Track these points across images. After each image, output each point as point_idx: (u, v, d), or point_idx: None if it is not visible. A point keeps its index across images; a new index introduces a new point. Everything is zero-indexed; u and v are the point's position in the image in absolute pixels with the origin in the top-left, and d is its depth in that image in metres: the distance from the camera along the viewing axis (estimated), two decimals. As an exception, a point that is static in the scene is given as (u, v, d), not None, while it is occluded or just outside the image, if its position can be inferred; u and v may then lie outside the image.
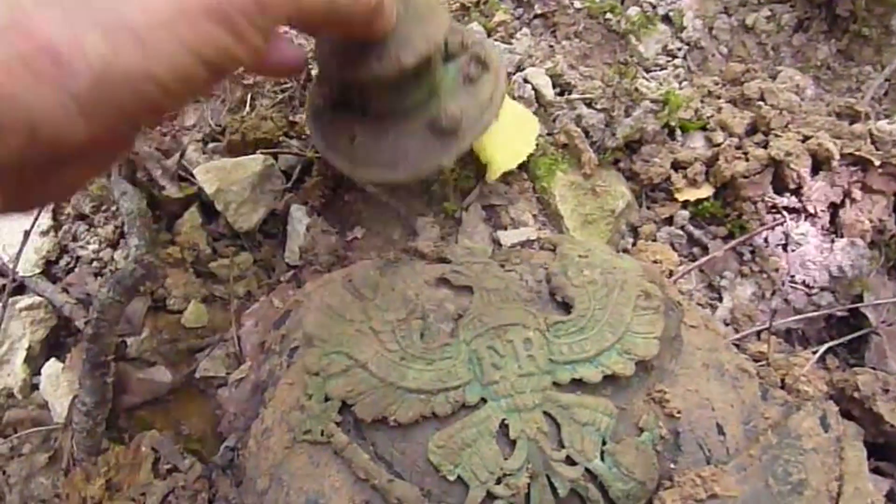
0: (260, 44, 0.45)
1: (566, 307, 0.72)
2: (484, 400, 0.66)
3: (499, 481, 0.62)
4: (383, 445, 0.65)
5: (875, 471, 0.80)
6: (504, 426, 0.64)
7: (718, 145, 0.88)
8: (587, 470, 0.64)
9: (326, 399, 0.67)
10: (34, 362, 0.80)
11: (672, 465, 0.68)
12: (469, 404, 0.65)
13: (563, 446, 0.64)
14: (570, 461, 0.64)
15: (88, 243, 0.86)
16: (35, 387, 0.80)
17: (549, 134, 0.91)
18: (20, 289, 0.84)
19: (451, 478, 0.63)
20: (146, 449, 0.71)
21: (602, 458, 0.65)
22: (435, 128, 0.71)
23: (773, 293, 0.85)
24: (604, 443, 0.65)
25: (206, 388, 0.81)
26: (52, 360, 0.79)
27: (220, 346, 0.82)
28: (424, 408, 0.65)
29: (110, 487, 0.71)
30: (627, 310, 0.71)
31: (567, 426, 0.65)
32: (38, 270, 0.83)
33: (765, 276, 0.86)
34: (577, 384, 0.67)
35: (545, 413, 0.65)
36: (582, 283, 0.73)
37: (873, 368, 0.82)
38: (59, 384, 0.77)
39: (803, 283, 0.84)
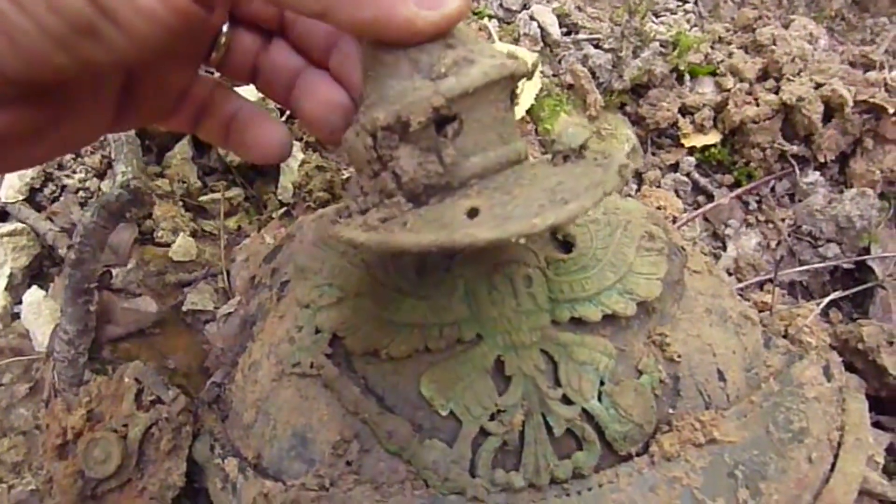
0: None
1: (567, 246, 0.69)
2: (480, 336, 0.63)
3: (492, 417, 0.60)
4: (374, 379, 0.63)
5: (876, 425, 0.79)
6: (500, 363, 0.62)
7: (728, 90, 0.85)
8: (584, 410, 0.62)
9: (317, 331, 0.64)
10: (15, 291, 0.77)
11: (671, 410, 0.67)
12: (464, 340, 0.63)
13: (559, 385, 0.62)
14: (566, 400, 0.62)
15: (74, 172, 0.83)
16: (16, 316, 0.77)
17: (554, 75, 0.87)
18: (3, 215, 0.81)
19: (444, 412, 0.60)
20: (129, 380, 0.69)
21: (599, 399, 0.63)
22: None
23: (779, 244, 0.83)
24: (601, 383, 0.63)
25: (193, 322, 0.79)
26: (34, 287, 0.76)
27: (209, 281, 0.80)
28: (418, 342, 0.62)
29: (91, 418, 0.69)
30: (630, 250, 0.69)
31: (564, 365, 0.63)
32: (21, 197, 0.80)
33: (770, 225, 0.83)
34: (577, 323, 0.65)
35: (542, 351, 0.63)
36: (584, 222, 0.70)
37: (879, 322, 0.80)
38: (40, 313, 0.74)
39: (809, 234, 0.82)
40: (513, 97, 0.55)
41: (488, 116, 0.50)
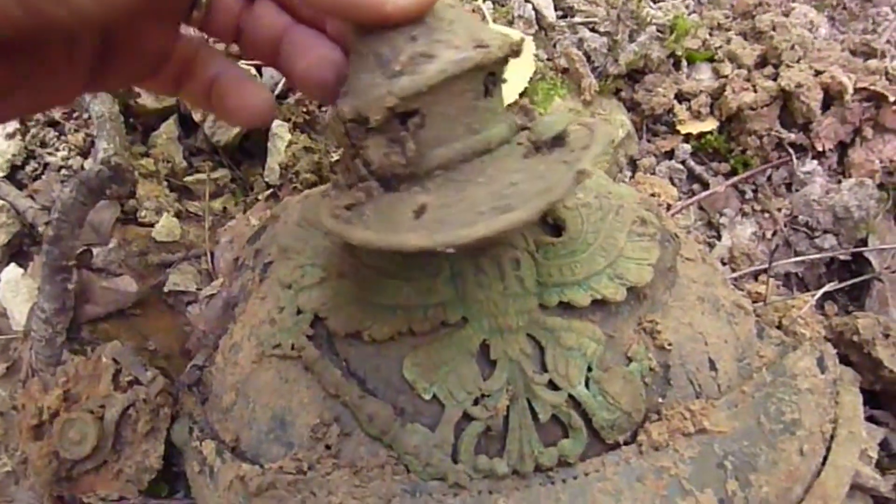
0: None
1: (557, 230, 0.68)
2: (465, 319, 0.62)
3: (476, 402, 0.59)
4: (356, 361, 0.61)
5: (870, 419, 0.77)
6: (485, 347, 0.61)
7: (726, 77, 0.84)
8: (570, 396, 0.60)
9: (298, 312, 0.63)
10: (-6, 269, 0.76)
11: (660, 399, 0.65)
12: (449, 323, 0.61)
13: (546, 370, 0.61)
14: (552, 386, 0.60)
15: (57, 150, 0.82)
16: (-6, 294, 0.76)
17: (548, 59, 0.86)
18: (-19, 193, 0.79)
19: (427, 396, 0.59)
20: (107, 360, 0.67)
21: (587, 385, 0.61)
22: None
23: (774, 234, 0.81)
24: (589, 369, 0.62)
25: (175, 304, 0.77)
26: (12, 265, 0.75)
27: (192, 262, 0.78)
28: (401, 324, 0.61)
29: (68, 398, 0.67)
30: (622, 235, 0.67)
31: (551, 350, 0.61)
32: (2, 174, 0.79)
33: (766, 215, 0.82)
34: (565, 308, 0.63)
35: (529, 336, 0.62)
36: (575, 206, 0.68)
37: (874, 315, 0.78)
38: (18, 291, 0.72)
39: (806, 224, 0.80)
40: (493, 82, 0.53)
41: (454, 108, 0.50)
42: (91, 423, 0.66)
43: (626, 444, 0.63)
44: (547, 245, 0.67)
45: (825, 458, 0.68)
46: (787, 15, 0.93)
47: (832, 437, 0.69)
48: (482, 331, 0.62)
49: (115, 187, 0.71)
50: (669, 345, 0.66)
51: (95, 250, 0.75)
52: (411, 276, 0.63)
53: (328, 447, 0.60)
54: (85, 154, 0.83)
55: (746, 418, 0.66)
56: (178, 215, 0.82)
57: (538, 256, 0.66)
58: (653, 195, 0.81)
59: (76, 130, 0.84)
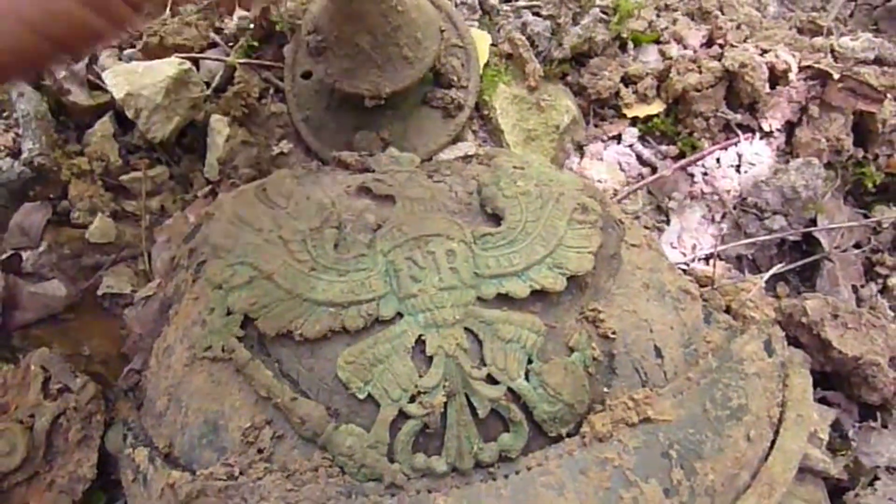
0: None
1: (497, 220, 0.66)
2: (400, 314, 0.60)
3: (412, 399, 0.57)
4: (289, 362, 0.60)
5: (821, 401, 0.77)
6: (421, 342, 0.59)
7: (671, 58, 0.82)
8: (510, 389, 0.59)
9: (229, 313, 0.61)
10: (-81, 276, 0.73)
11: (605, 389, 0.64)
12: (383, 319, 0.60)
13: (484, 364, 0.59)
14: (491, 380, 0.59)
15: (-15, 152, 0.79)
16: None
17: (492, 44, 0.84)
18: None
19: (361, 395, 0.57)
20: (35, 368, 0.65)
21: (527, 378, 0.60)
22: None
23: (724, 216, 0.80)
24: (530, 361, 0.60)
25: (111, 307, 0.75)
26: (-64, 271, 0.72)
27: (129, 263, 0.76)
28: (334, 321, 0.59)
29: (-4, 408, 0.65)
30: (562, 223, 0.66)
31: (490, 343, 0.60)
32: (-75, 178, 0.76)
33: (716, 198, 0.81)
34: (503, 299, 0.62)
35: (466, 329, 0.60)
36: (514, 195, 0.67)
37: (825, 296, 0.77)
38: (-57, 299, 0.70)
39: (755, 206, 0.79)
40: None
41: None
42: (20, 433, 0.64)
43: (569, 436, 0.62)
44: (485, 235, 0.65)
45: (773, 443, 0.67)
46: (735, -6, 0.92)
47: (780, 420, 0.69)
48: (417, 326, 0.60)
49: (39, 189, 0.68)
50: (613, 333, 0.65)
51: (25, 254, 0.73)
52: (345, 271, 0.62)
53: (260, 451, 0.58)
54: (15, 154, 0.80)
55: (692, 405, 0.65)
56: (113, 215, 0.79)
57: (475, 247, 0.64)
58: (599, 181, 0.79)
59: (6, 130, 0.81)
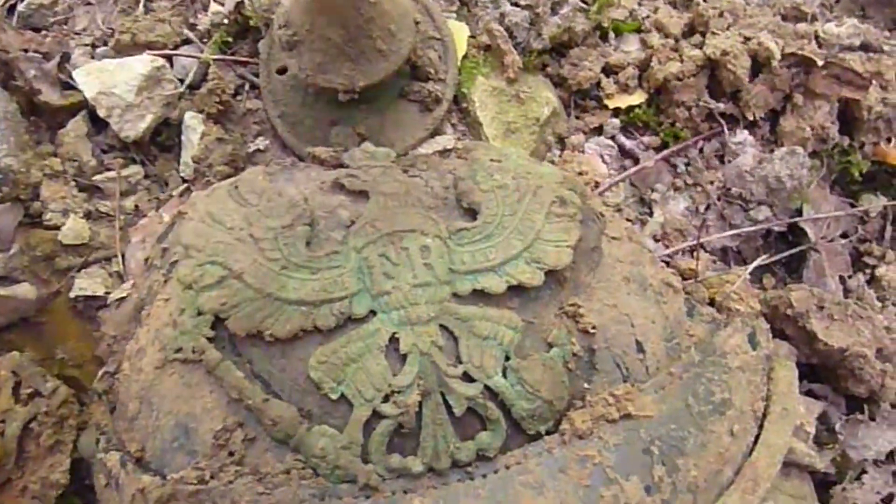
0: None
1: (473, 214, 0.65)
2: (373, 312, 0.59)
3: (386, 399, 0.56)
4: (260, 362, 0.58)
5: (808, 393, 0.76)
6: (394, 340, 0.58)
7: (653, 48, 0.81)
8: (487, 387, 0.58)
9: (199, 313, 0.60)
10: None
11: (586, 385, 0.63)
12: (356, 317, 0.59)
13: (460, 361, 0.58)
14: (467, 377, 0.58)
15: (-44, 153, 0.77)
16: None
17: (471, 36, 0.83)
18: None
19: (334, 396, 0.56)
20: (5, 372, 0.64)
21: (504, 375, 0.59)
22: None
23: (708, 208, 0.79)
24: (507, 358, 0.59)
25: (84, 309, 0.74)
26: None
27: (103, 265, 0.75)
28: (305, 321, 0.58)
29: (-34, 414, 0.64)
30: (539, 216, 0.65)
31: (466, 340, 0.59)
32: None
33: (699, 189, 0.80)
34: (479, 295, 0.61)
35: (442, 326, 0.59)
36: (491, 188, 0.66)
37: (811, 287, 0.76)
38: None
39: (740, 196, 0.78)
40: None
41: None
42: (-10, 440, 0.63)
43: (548, 433, 0.61)
44: (461, 230, 0.64)
45: (758, 437, 0.66)
46: (719, -19, 0.90)
47: (765, 414, 0.67)
48: (391, 324, 0.59)
49: (6, 190, 0.67)
50: (594, 328, 0.64)
51: (-5, 257, 0.72)
52: (317, 269, 0.60)
53: (232, 454, 0.57)
54: (-14, 156, 0.78)
55: (674, 401, 0.64)
56: (87, 216, 0.78)
57: (451, 243, 0.63)
58: (580, 174, 0.78)
59: (-23, 132, 0.79)
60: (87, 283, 0.73)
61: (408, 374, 0.57)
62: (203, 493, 0.55)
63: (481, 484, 0.58)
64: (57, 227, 0.76)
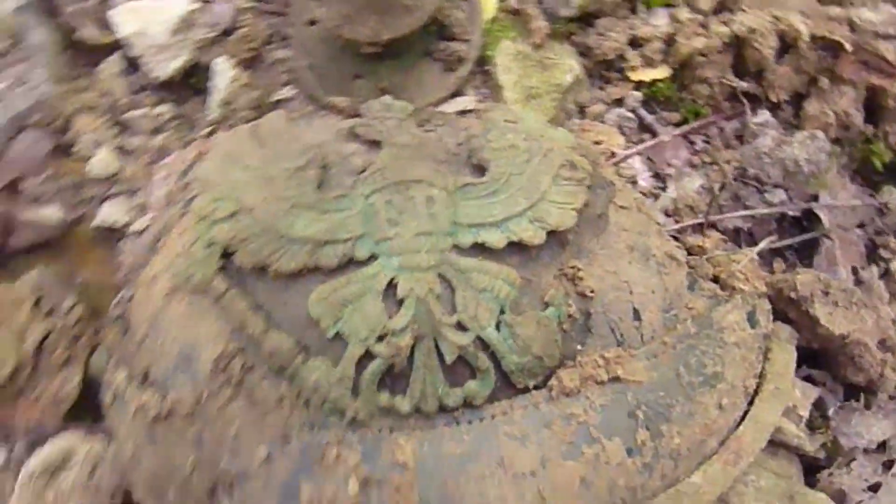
0: None
1: (482, 171, 0.66)
2: (375, 256, 0.61)
3: (380, 339, 0.58)
4: (263, 295, 0.61)
5: (807, 379, 0.76)
6: (393, 285, 0.60)
7: (681, 22, 0.80)
8: (479, 338, 0.60)
9: (210, 245, 0.62)
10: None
11: (579, 347, 0.64)
12: (358, 259, 0.60)
13: (455, 311, 0.60)
14: (461, 327, 0.60)
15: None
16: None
17: (502, 0, 0.83)
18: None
19: (331, 333, 0.58)
20: (28, 289, 0.68)
21: (497, 328, 0.60)
22: None
23: (723, 187, 0.79)
24: (502, 312, 0.61)
25: (106, 237, 0.77)
26: (-59, 192, 0.75)
27: (127, 197, 0.78)
28: (309, 259, 0.60)
29: (-11, 324, 0.67)
30: (547, 177, 0.66)
31: (462, 291, 0.60)
32: (-62, 103, 0.78)
33: (715, 167, 0.79)
34: (480, 249, 0.62)
35: (440, 275, 0.61)
36: (502, 147, 0.67)
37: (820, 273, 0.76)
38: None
39: (756, 178, 0.78)
40: None
41: None
42: (10, 350, 0.66)
43: (536, 388, 0.62)
44: (468, 185, 0.65)
45: (747, 413, 0.67)
46: (757, -39, 0.89)
47: (756, 391, 0.68)
48: (391, 268, 0.61)
49: (39, 117, 0.70)
50: (592, 292, 0.65)
51: (26, 181, 0.75)
52: (325, 210, 0.62)
53: (229, 379, 0.59)
54: (24, 85, 0.82)
55: (665, 369, 0.65)
56: (116, 150, 0.81)
57: (457, 196, 0.64)
58: (597, 143, 0.79)
59: (18, 62, 0.83)
60: (111, 213, 0.76)
61: (403, 317, 0.59)
62: (199, 413, 0.58)
63: (466, 430, 0.60)
64: (86, 159, 0.80)
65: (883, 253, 0.83)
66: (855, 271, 0.82)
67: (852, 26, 0.79)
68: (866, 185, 0.83)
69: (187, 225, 0.67)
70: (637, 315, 0.66)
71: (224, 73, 0.82)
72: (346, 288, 0.60)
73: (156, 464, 0.59)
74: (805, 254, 0.82)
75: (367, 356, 0.58)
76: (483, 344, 0.60)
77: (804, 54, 0.76)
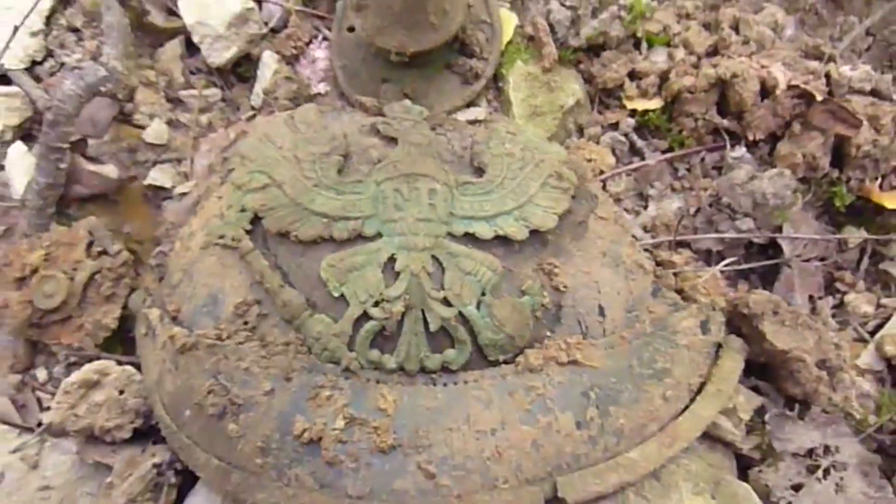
0: None
1: (481, 173, 0.76)
2: (380, 234, 0.71)
3: (376, 304, 0.68)
4: (283, 257, 0.71)
5: (753, 388, 0.84)
6: (392, 260, 0.70)
7: (676, 61, 0.90)
8: (461, 314, 0.69)
9: (242, 210, 0.73)
10: (4, 146, 0.88)
11: (548, 333, 0.74)
12: (365, 235, 0.71)
13: (443, 288, 0.70)
14: (446, 302, 0.69)
15: (73, 52, 0.93)
16: (1, 168, 0.88)
17: (518, 25, 0.94)
18: (3, 79, 0.91)
19: (336, 294, 0.69)
20: (83, 231, 0.79)
21: (478, 307, 0.70)
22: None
23: (698, 211, 0.88)
24: (483, 294, 0.71)
25: (153, 197, 0.88)
26: (19, 142, 0.86)
27: (174, 164, 0.89)
28: (324, 230, 0.70)
29: (48, 259, 0.79)
30: (536, 184, 0.76)
31: (451, 271, 0.70)
32: (22, 66, 0.90)
33: (693, 193, 0.89)
34: (470, 238, 0.72)
35: (433, 257, 0.71)
36: (500, 154, 0.77)
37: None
38: (21, 165, 0.84)
39: (728, 206, 0.87)
40: None
41: None
42: (63, 281, 0.78)
43: (505, 363, 0.72)
44: (466, 183, 0.75)
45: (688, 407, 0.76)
46: (756, 12, 0.99)
47: (699, 390, 0.77)
48: (392, 246, 0.71)
49: (110, 86, 0.82)
50: (565, 287, 0.74)
51: (90, 141, 0.87)
52: (342, 192, 0.73)
53: (246, 323, 0.70)
54: (96, 58, 0.94)
55: (619, 359, 0.74)
56: (169, 123, 0.92)
57: (456, 192, 0.74)
58: (589, 160, 0.89)
59: (92, 38, 0.95)
60: (160, 176, 0.87)
61: (398, 288, 0.69)
62: (218, 347, 0.69)
63: (441, 390, 0.70)
64: (143, 127, 0.91)
65: (839, 286, 0.92)
66: (812, 300, 0.91)
67: (830, 81, 0.88)
68: (829, 223, 0.92)
69: (225, 192, 0.78)
70: (602, 311, 0.76)
71: (269, 65, 0.93)
72: (352, 258, 0.70)
73: (177, 386, 0.70)
74: (768, 280, 0.91)
75: (364, 317, 0.69)
76: (464, 319, 0.70)
77: (780, 100, 0.85)
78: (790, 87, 0.85)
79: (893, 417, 0.83)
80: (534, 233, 0.74)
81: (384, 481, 0.64)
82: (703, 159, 0.90)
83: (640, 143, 0.91)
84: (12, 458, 0.74)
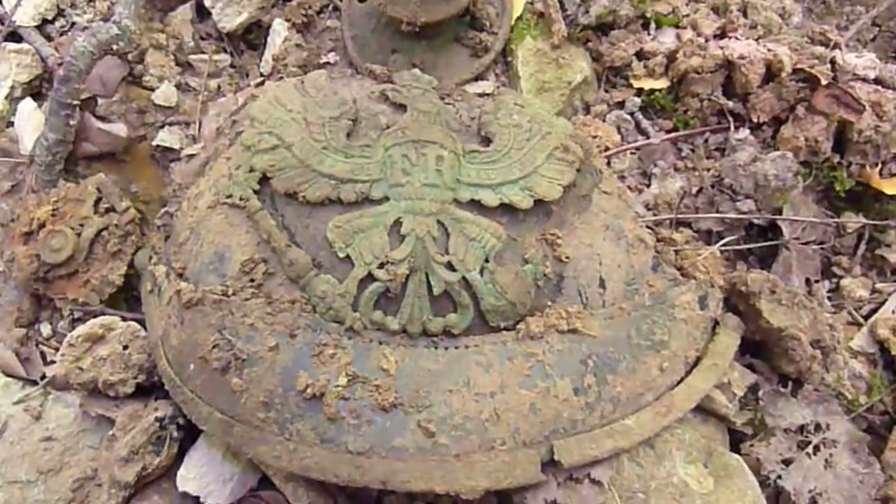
0: None
1: (488, 142, 0.77)
2: (387, 198, 0.72)
3: (381, 266, 0.69)
4: (291, 218, 0.72)
5: (748, 366, 0.86)
6: (398, 223, 0.71)
7: (684, 42, 0.91)
8: (464, 279, 0.70)
9: (251, 170, 0.74)
10: (14, 103, 0.88)
11: (549, 303, 0.75)
12: (373, 199, 0.72)
13: (447, 253, 0.71)
14: (450, 267, 0.70)
15: (84, 13, 0.94)
16: (11, 124, 0.88)
17: (528, 2, 0.94)
18: (15, 37, 0.91)
19: (341, 255, 0.70)
20: (91, 188, 0.80)
21: (481, 273, 0.71)
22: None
23: (700, 191, 0.89)
24: (486, 261, 0.71)
25: (160, 158, 0.89)
26: (28, 98, 0.87)
27: (182, 126, 0.90)
28: (332, 192, 0.71)
29: (56, 214, 0.79)
30: (542, 155, 0.76)
31: (455, 237, 0.71)
32: (34, 24, 0.91)
33: (696, 173, 0.90)
34: (475, 205, 0.73)
35: (439, 222, 0.71)
36: (507, 125, 0.78)
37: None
38: (30, 121, 0.85)
39: (730, 187, 0.88)
40: None
41: None
42: (70, 236, 0.78)
43: (507, 329, 0.73)
44: (474, 152, 0.76)
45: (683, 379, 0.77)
46: (765, -1, 0.99)
47: (695, 363, 0.78)
48: (399, 210, 0.72)
49: (121, 45, 0.82)
50: (567, 258, 0.75)
51: (100, 100, 0.87)
52: (351, 155, 0.74)
53: (252, 280, 0.71)
54: (107, 19, 0.94)
55: (618, 330, 0.75)
56: (178, 86, 0.93)
57: (463, 160, 0.75)
58: (594, 137, 0.90)
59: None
60: (168, 137, 0.88)
61: (402, 251, 0.70)
62: (224, 303, 0.70)
63: (442, 353, 0.71)
64: (152, 89, 0.92)
65: (836, 270, 0.93)
66: (808, 283, 0.92)
67: (834, 66, 0.89)
68: (829, 208, 0.93)
69: (234, 153, 0.78)
70: (602, 283, 0.77)
71: (280, 32, 0.93)
72: (359, 220, 0.71)
73: (182, 340, 0.71)
74: (767, 261, 0.93)
75: (369, 278, 0.69)
76: (467, 284, 0.71)
77: (785, 84, 0.86)
78: (795, 70, 0.86)
79: (884, 398, 0.84)
80: (538, 203, 0.75)
81: (384, 438, 0.65)
82: (706, 140, 0.91)
83: (645, 122, 0.92)
84: (16, 409, 0.75)
